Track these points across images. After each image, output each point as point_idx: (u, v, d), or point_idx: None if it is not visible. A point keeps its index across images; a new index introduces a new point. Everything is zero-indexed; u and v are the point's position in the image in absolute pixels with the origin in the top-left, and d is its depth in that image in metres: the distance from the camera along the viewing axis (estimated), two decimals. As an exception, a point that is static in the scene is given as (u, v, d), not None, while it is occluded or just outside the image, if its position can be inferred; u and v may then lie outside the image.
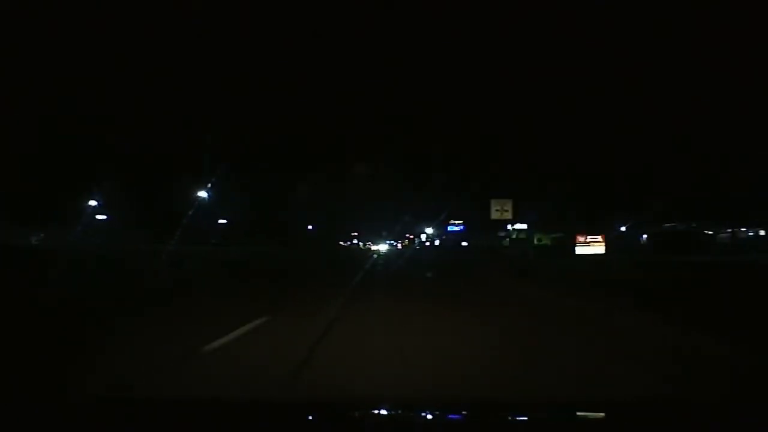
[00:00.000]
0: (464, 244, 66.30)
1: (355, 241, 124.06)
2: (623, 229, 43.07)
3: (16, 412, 2.14)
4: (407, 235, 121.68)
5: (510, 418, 2.38)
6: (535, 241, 61.81)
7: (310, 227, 76.18)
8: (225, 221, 58.52)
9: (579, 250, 39.69)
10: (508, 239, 64.65)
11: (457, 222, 65.23)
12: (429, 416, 2.40)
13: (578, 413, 2.45)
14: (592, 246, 39.98)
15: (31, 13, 33.69)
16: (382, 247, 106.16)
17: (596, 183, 46.36)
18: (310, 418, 2.35)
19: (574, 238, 40.47)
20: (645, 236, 42.10)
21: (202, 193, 32.15)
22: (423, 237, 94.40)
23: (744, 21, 31.77)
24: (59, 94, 36.82)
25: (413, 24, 44.50)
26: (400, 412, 2.58)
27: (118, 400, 3.08)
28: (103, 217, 51.58)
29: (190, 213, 29.41)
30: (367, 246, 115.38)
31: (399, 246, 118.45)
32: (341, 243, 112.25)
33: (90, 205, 38.84)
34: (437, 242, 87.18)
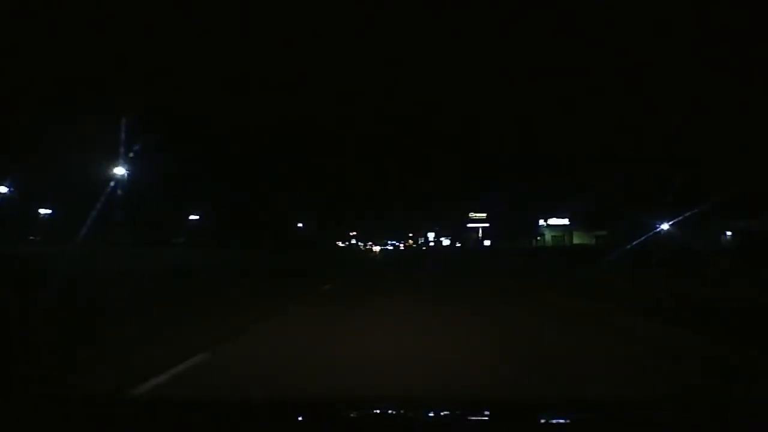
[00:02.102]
0: (487, 243, 55.21)
1: (353, 241, 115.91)
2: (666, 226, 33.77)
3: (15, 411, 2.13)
4: (410, 235, 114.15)
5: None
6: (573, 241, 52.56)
7: (300, 225, 67.70)
8: (197, 217, 50.06)
9: None
10: (539, 238, 55.11)
11: (478, 216, 53.60)
12: (432, 415, 2.38)
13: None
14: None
15: (31, 13, 31.58)
16: (386, 248, 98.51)
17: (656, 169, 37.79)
18: (310, 417, 2.29)
19: None
20: (729, 233, 32.62)
21: (119, 169, 23.24)
22: (431, 236, 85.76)
23: (744, 21, 27.82)
24: (59, 94, 32.92)
25: (413, 24, 41.04)
26: (401, 411, 2.53)
27: (118, 400, 3.11)
28: (48, 211, 44.39)
29: (107, 191, 20.81)
30: (368, 246, 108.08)
31: (402, 246, 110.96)
32: (339, 243, 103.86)
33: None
34: (446, 242, 79.30)
